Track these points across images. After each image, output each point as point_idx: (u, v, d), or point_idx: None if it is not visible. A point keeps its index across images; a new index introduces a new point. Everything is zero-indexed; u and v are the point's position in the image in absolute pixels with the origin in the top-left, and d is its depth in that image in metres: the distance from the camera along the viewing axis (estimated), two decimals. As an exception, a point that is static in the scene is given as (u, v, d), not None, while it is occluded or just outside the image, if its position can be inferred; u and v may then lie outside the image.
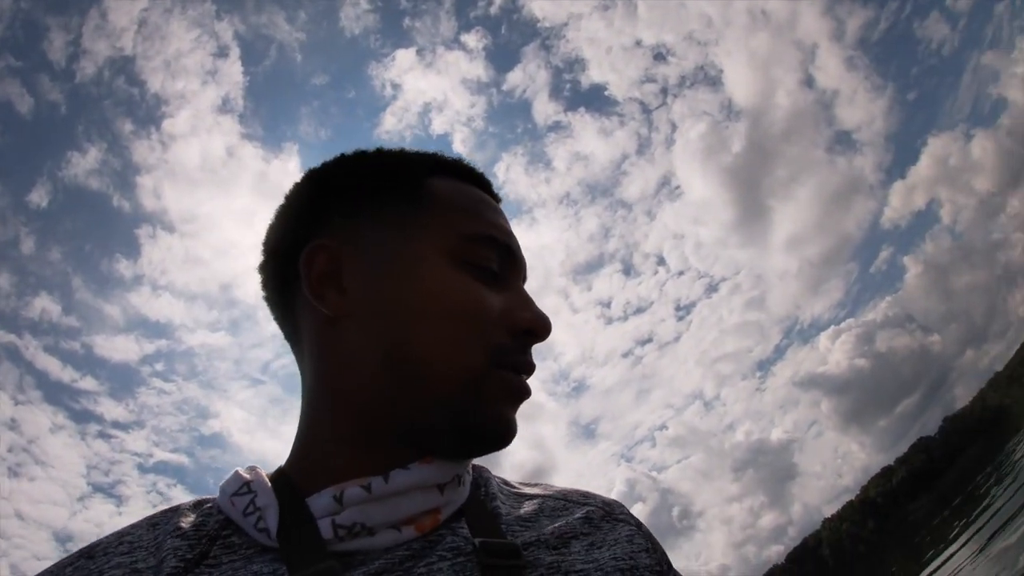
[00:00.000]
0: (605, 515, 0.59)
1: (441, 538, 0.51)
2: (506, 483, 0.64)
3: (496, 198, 0.63)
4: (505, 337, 0.54)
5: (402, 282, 0.54)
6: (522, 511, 0.58)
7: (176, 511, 0.53)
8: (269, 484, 0.52)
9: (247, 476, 0.53)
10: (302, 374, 0.58)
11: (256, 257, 0.62)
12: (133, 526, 0.52)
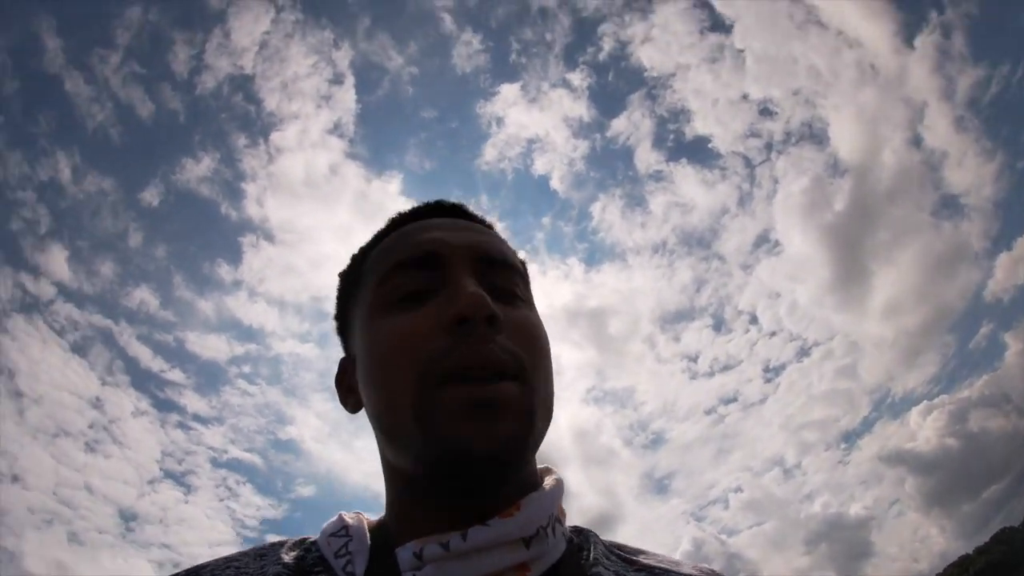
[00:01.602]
0: None
1: None
2: (618, 547, 0.61)
3: (442, 211, 0.63)
4: (442, 341, 0.50)
5: (359, 362, 0.57)
6: None
7: (281, 544, 0.57)
8: (366, 529, 0.55)
9: (348, 520, 0.56)
10: None
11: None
12: (241, 553, 0.56)
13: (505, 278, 0.57)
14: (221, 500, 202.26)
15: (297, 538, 0.58)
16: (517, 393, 0.50)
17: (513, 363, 0.50)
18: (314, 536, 0.57)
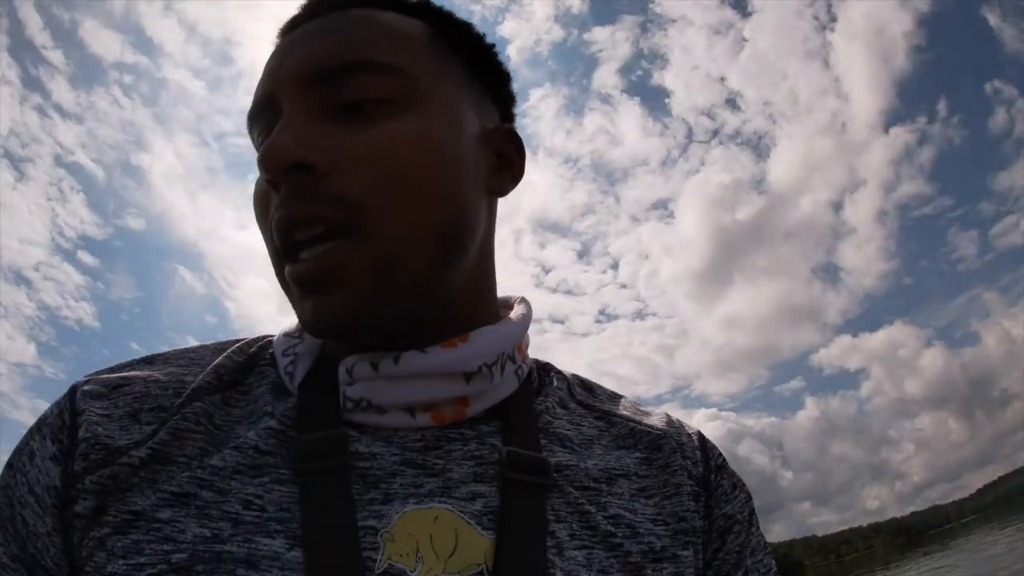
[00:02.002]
0: (674, 453, 0.51)
1: (462, 436, 0.45)
2: (587, 390, 0.56)
3: (311, 14, 0.49)
4: (275, 211, 0.43)
5: None
6: (581, 429, 0.51)
7: (243, 341, 0.51)
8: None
9: None
10: None
11: None
12: (202, 346, 0.51)
13: (354, 86, 0.43)
14: (49, 199, 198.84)
15: (261, 337, 0.52)
16: (350, 254, 0.41)
17: (340, 215, 0.41)
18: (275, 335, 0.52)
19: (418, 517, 0.41)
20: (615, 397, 0.57)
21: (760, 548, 0.52)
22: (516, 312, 0.53)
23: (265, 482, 0.41)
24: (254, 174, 0.45)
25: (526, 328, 0.52)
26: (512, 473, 0.44)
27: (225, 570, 0.37)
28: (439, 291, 0.46)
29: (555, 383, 0.54)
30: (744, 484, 0.54)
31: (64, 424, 0.43)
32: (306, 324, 0.44)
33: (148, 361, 0.49)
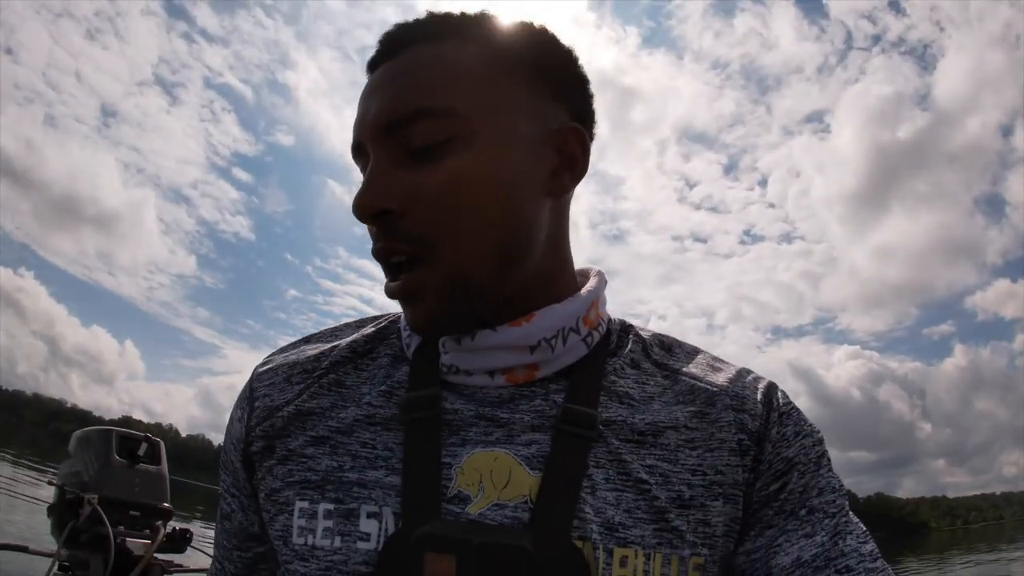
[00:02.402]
0: (726, 409, 0.58)
1: (532, 393, 0.57)
2: (665, 349, 0.64)
3: (384, 55, 0.58)
4: (375, 241, 0.56)
5: None
6: (644, 388, 0.59)
7: (377, 318, 0.68)
8: None
9: None
10: None
11: None
12: (346, 324, 0.69)
13: (420, 133, 0.54)
14: (202, 121, 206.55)
15: (392, 314, 0.68)
16: (426, 278, 0.54)
17: (416, 248, 0.54)
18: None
19: (482, 457, 0.54)
20: (693, 354, 0.64)
21: (829, 488, 0.56)
22: (586, 287, 0.62)
23: (377, 430, 0.57)
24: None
25: (590, 302, 0.60)
26: (563, 425, 0.54)
27: (344, 488, 0.54)
28: (505, 291, 0.56)
29: (630, 345, 0.63)
30: (813, 431, 0.59)
31: (246, 396, 0.64)
32: (407, 323, 0.58)
33: (305, 340, 0.68)
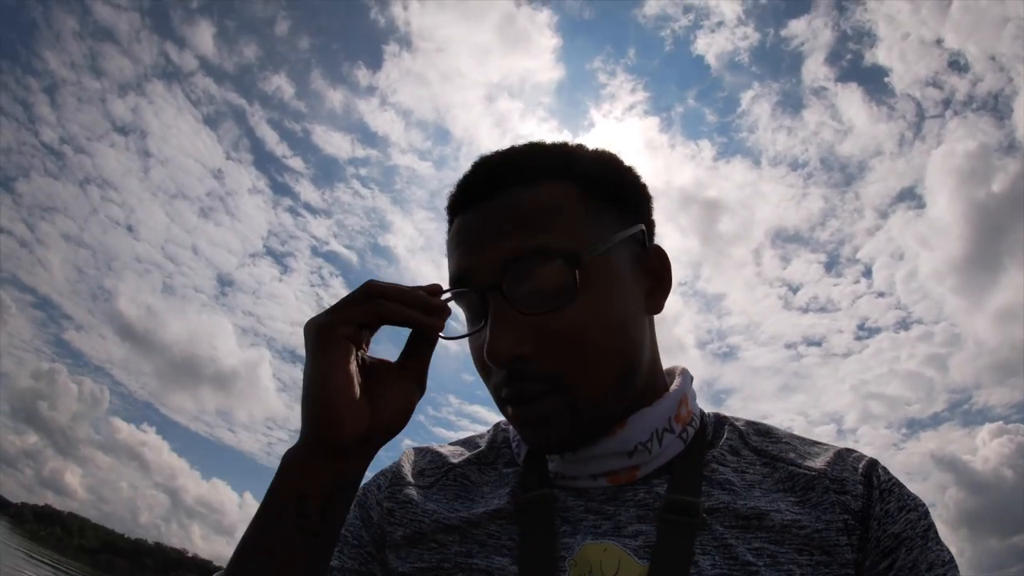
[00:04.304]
0: (826, 491, 0.58)
1: (636, 489, 0.61)
2: (763, 435, 0.66)
3: (476, 196, 0.61)
4: (498, 376, 0.60)
5: None
6: (744, 476, 0.61)
7: (496, 429, 0.75)
8: None
9: None
10: None
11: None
12: (476, 434, 0.77)
13: (541, 277, 0.57)
14: (312, 286, 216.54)
15: (495, 425, 0.76)
16: (559, 405, 0.58)
17: (551, 383, 0.58)
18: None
19: (593, 548, 0.57)
20: (791, 439, 0.65)
21: (939, 562, 0.55)
22: (673, 386, 0.66)
23: (502, 523, 0.61)
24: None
25: (679, 400, 0.64)
26: (668, 515, 0.57)
27: (473, 573, 0.58)
28: (618, 411, 0.61)
29: (726, 435, 0.65)
30: (918, 504, 0.58)
31: (392, 469, 0.71)
32: (525, 442, 0.62)
33: (443, 445, 0.75)
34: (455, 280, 0.61)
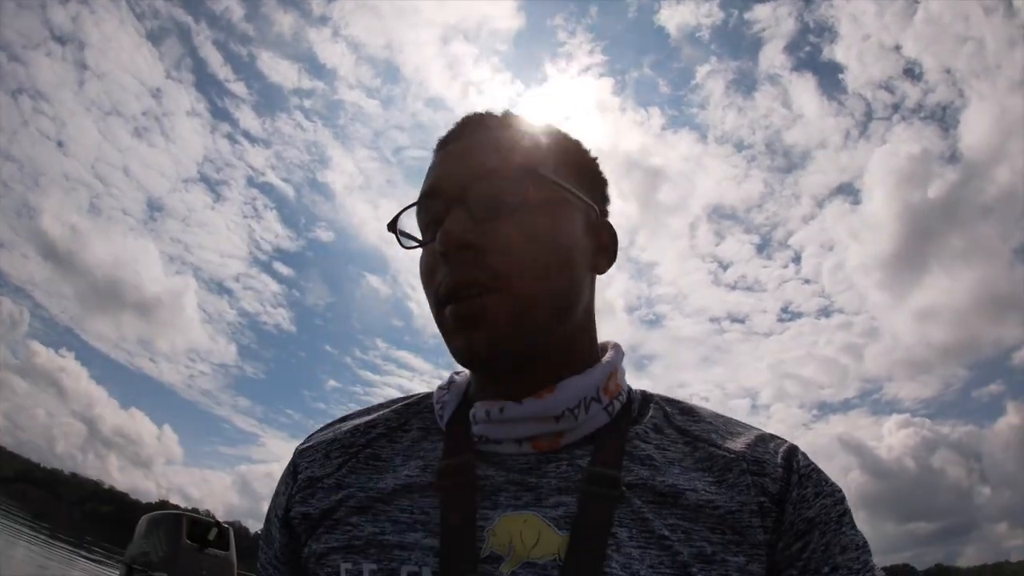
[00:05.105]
0: (743, 473, 0.59)
1: (558, 459, 0.61)
2: (686, 414, 0.66)
3: (460, 134, 0.67)
4: (442, 271, 0.61)
5: None
6: (665, 452, 0.62)
7: (409, 397, 0.74)
8: (465, 386, 0.70)
9: (457, 378, 0.71)
10: None
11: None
12: (380, 404, 0.75)
13: (495, 192, 0.60)
14: (245, 217, 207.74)
15: (423, 393, 0.74)
16: (496, 304, 0.58)
17: (490, 278, 0.59)
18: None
19: (513, 519, 0.57)
20: (713, 419, 0.66)
21: (852, 546, 0.56)
22: (604, 358, 0.67)
23: (415, 497, 0.61)
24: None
25: (609, 373, 0.65)
26: (588, 487, 0.58)
27: (386, 550, 0.58)
28: (551, 339, 0.61)
29: (651, 412, 0.66)
30: (835, 491, 0.60)
31: (290, 472, 0.70)
32: (457, 353, 0.61)
33: (342, 420, 0.73)
34: (424, 195, 0.64)
